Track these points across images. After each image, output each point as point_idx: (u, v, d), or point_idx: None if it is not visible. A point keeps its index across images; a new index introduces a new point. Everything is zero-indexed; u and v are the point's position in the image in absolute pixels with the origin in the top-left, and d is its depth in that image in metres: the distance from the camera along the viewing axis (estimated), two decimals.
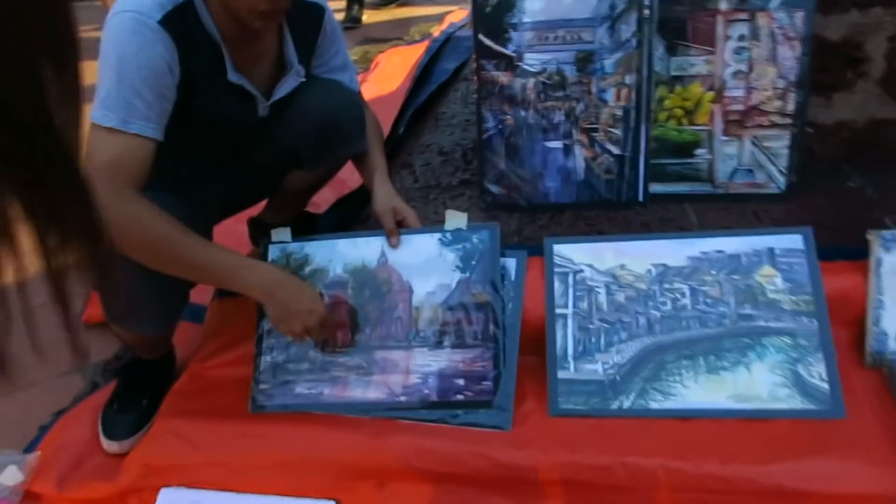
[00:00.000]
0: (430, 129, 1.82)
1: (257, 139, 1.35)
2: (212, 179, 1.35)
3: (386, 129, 1.82)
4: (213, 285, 1.20)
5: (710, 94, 1.42)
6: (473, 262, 1.29)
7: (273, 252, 1.37)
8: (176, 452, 1.21)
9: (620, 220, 1.42)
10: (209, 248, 1.14)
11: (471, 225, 1.32)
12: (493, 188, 1.50)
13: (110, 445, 1.29)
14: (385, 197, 1.34)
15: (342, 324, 1.29)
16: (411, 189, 1.60)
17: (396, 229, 1.32)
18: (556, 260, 1.31)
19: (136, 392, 1.36)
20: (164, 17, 1.08)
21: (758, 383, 1.16)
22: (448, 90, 2.08)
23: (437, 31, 2.96)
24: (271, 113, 1.30)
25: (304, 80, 1.31)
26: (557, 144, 1.45)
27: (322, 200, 1.75)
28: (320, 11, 1.34)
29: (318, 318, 1.20)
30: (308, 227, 1.51)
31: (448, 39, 2.51)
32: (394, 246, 1.31)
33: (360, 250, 1.33)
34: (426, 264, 1.30)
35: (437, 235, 1.32)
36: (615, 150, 1.44)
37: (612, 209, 1.45)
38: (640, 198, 1.46)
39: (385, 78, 2.71)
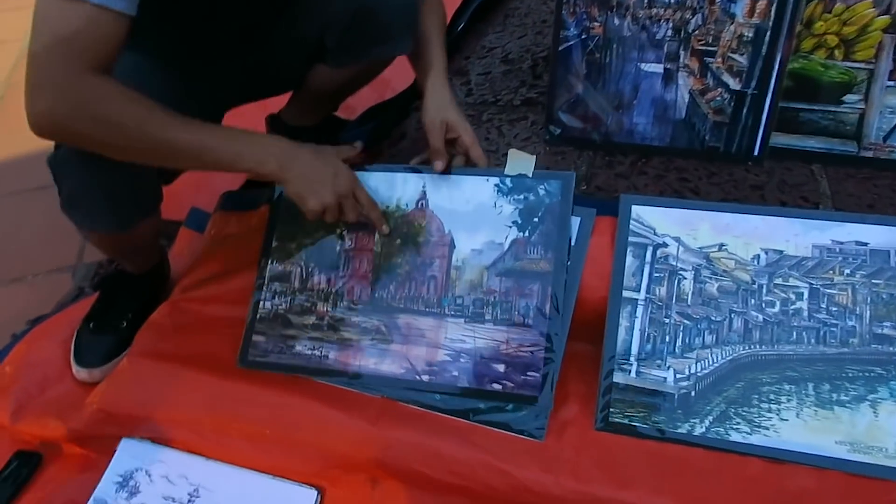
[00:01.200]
0: (496, 27, 1.44)
1: (277, 15, 1.05)
2: (219, 59, 1.07)
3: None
4: (212, 170, 0.93)
5: (884, 20, 1.00)
6: (536, 220, 0.98)
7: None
8: (141, 401, 0.99)
9: (725, 180, 1.07)
10: (200, 126, 0.87)
11: (538, 172, 1.00)
12: (564, 116, 1.15)
13: (79, 372, 1.09)
14: (437, 105, 1.03)
15: (362, 275, 1.02)
16: (462, 104, 1.25)
17: (445, 151, 1.01)
18: (634, 226, 0.98)
19: (115, 311, 1.14)
20: None
21: (885, 431, 0.83)
22: None
23: None
24: None
25: None
26: (656, 68, 1.08)
27: (359, 103, 1.42)
28: None
29: (349, 183, 0.96)
30: (331, 136, 1.22)
31: None
32: (438, 170, 1.01)
33: (395, 187, 1.04)
34: (476, 215, 1.00)
35: (494, 180, 1.01)
36: (734, 83, 1.06)
37: (716, 162, 1.10)
38: (757, 151, 1.09)
39: None
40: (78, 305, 1.20)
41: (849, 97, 1.04)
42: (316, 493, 0.91)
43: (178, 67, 1.00)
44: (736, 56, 1.04)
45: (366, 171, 1.04)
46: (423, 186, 1.03)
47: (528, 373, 0.93)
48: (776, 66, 1.03)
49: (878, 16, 0.99)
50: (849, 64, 1.03)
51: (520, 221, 0.99)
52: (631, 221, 0.98)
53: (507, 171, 1.01)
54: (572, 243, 0.98)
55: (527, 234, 0.98)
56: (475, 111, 1.22)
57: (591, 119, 1.14)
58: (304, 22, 1.07)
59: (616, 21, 1.07)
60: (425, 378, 0.95)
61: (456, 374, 0.95)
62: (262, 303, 1.04)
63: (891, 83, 1.02)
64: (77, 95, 0.79)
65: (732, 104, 1.07)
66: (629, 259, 0.96)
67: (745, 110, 1.07)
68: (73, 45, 0.77)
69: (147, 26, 0.87)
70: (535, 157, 1.01)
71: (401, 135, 1.22)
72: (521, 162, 1.01)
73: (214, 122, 1.07)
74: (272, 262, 1.06)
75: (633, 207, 0.99)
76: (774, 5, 1.00)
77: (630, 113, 1.12)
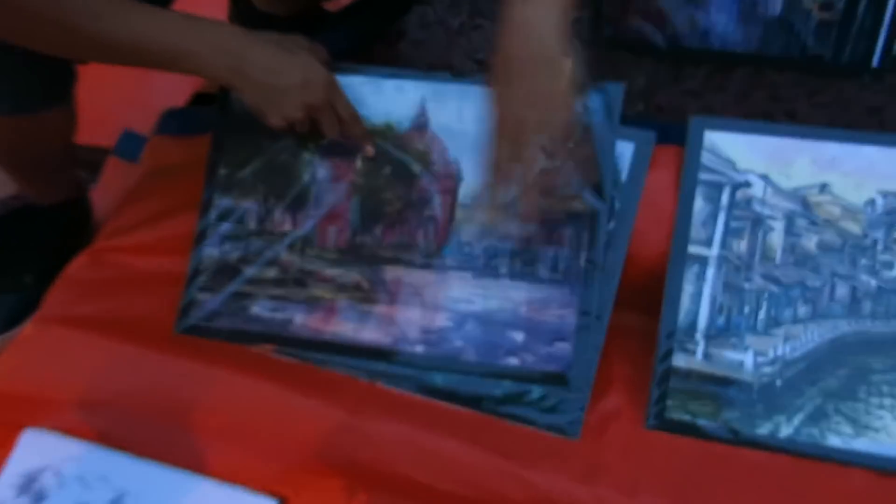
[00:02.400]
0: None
1: None
2: None
3: None
4: (138, 66, 0.84)
5: None
6: (570, 145, 0.83)
7: None
8: (50, 380, 0.86)
9: (832, 99, 0.95)
10: (128, 12, 0.78)
11: None
12: (612, 13, 1.00)
13: None
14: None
15: (339, 214, 0.90)
16: None
17: None
18: (707, 159, 0.85)
19: (17, 261, 1.04)
20: None
21: None
22: None
23: None
24: None
25: None
26: None
27: None
28: None
29: (325, 89, 0.85)
30: (311, 32, 1.08)
31: None
32: None
33: (385, 98, 0.91)
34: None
35: None
36: None
37: (821, 76, 0.96)
38: (876, 62, 0.95)
39: None
40: None
41: None
42: (276, 503, 0.78)
43: None
44: None
45: (347, 74, 0.90)
46: (423, 98, 0.90)
47: (556, 343, 0.81)
48: None
49: None
50: None
51: (549, 146, 0.82)
52: (703, 152, 0.85)
53: None
54: (621, 178, 0.85)
55: (559, 162, 0.81)
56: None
57: (655, 16, 0.99)
58: None
59: None
60: (420, 350, 0.84)
61: (460, 344, 0.83)
62: (206, 250, 0.91)
63: None
64: None
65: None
66: (699, 203, 0.84)
67: (861, 8, 0.92)
68: None
69: None
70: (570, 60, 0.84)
71: (398, 34, 1.08)
72: None
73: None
74: (219, 196, 0.92)
75: (707, 134, 0.85)
76: None
77: (706, 8, 0.97)
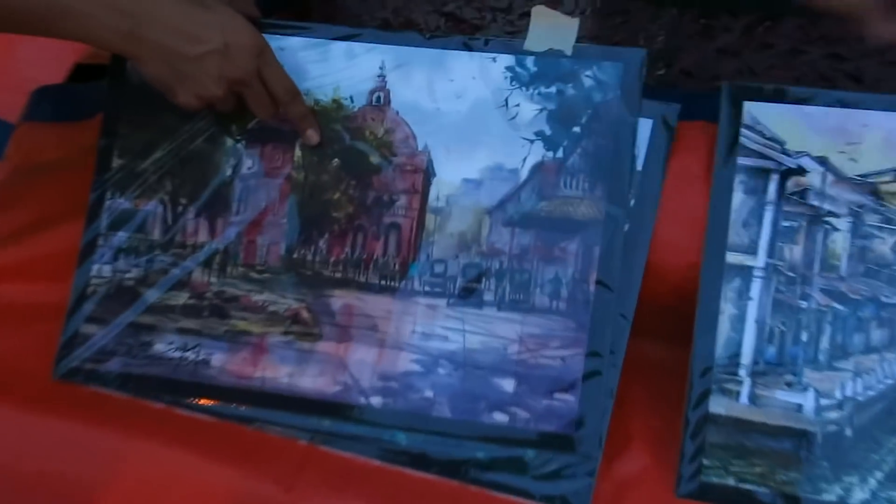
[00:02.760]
0: None
1: None
2: None
3: None
4: (13, 30, 0.74)
5: None
6: (577, 130, 0.72)
7: None
8: None
9: None
10: None
11: (582, 46, 0.74)
12: None
13: None
14: None
15: (271, 220, 0.75)
16: None
17: None
18: (748, 137, 0.71)
19: None
20: None
21: None
22: None
23: None
24: None
25: None
26: None
27: None
28: None
29: (252, 55, 0.73)
30: None
31: None
32: None
33: (333, 66, 0.77)
34: (472, 119, 0.75)
35: (507, 59, 0.76)
36: None
37: None
38: None
39: None
40: None
41: None
42: None
43: None
44: None
45: (282, 35, 0.76)
46: (383, 66, 0.75)
47: (557, 394, 0.68)
48: None
49: None
50: None
51: (549, 132, 0.72)
52: (742, 130, 0.72)
53: (528, 44, 0.74)
54: (638, 167, 0.71)
55: (560, 153, 0.72)
56: None
57: None
58: None
59: None
60: (376, 402, 0.69)
61: (431, 395, 0.69)
62: (95, 267, 0.75)
63: None
64: None
65: None
66: (738, 197, 0.70)
67: None
68: None
69: None
70: (577, 21, 0.74)
71: None
72: (552, 28, 0.74)
73: None
74: (112, 196, 0.76)
75: (747, 105, 0.72)
76: None
77: None
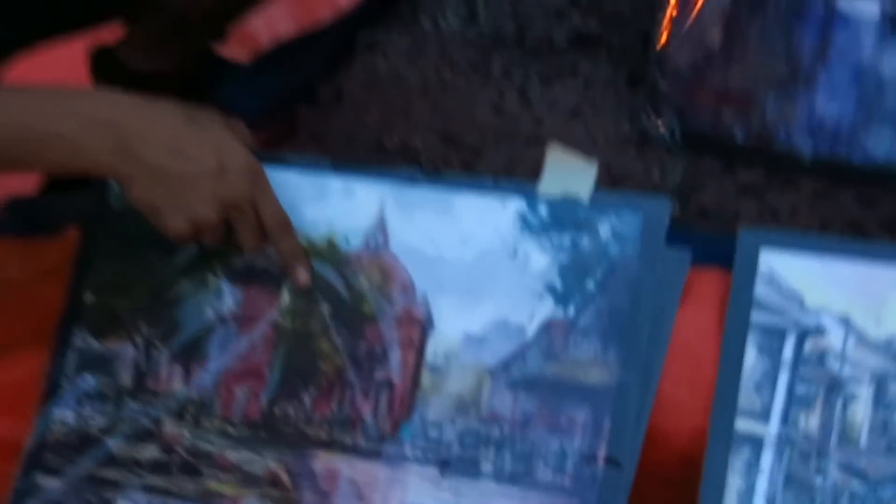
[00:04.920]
0: None
1: None
2: None
3: None
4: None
5: None
6: (592, 285, 0.66)
7: None
8: None
9: None
10: None
11: (600, 194, 0.67)
12: (676, 95, 0.78)
13: None
14: None
15: (251, 369, 0.67)
16: (456, 39, 0.90)
17: None
18: (763, 292, 0.64)
19: None
20: None
21: None
22: None
23: None
24: None
25: None
26: (868, 8, 0.73)
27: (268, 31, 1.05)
28: None
29: (247, 181, 0.68)
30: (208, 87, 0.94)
31: None
32: None
33: (329, 202, 0.72)
34: (478, 268, 0.69)
35: (518, 204, 0.69)
36: None
37: None
38: None
39: None
40: None
41: None
42: None
43: None
44: None
45: (276, 166, 0.69)
46: (382, 205, 0.68)
47: None
48: None
49: None
50: None
51: (560, 287, 0.66)
52: (758, 281, 0.64)
53: (541, 187, 0.67)
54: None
55: (572, 311, 0.64)
56: (479, 53, 0.86)
57: (735, 99, 0.77)
58: None
59: None
60: None
61: None
62: (58, 412, 0.67)
63: None
64: None
65: None
66: (751, 356, 0.64)
67: None
68: None
69: None
70: (595, 164, 0.67)
71: (336, 94, 0.85)
72: (569, 172, 0.68)
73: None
74: (82, 334, 0.69)
75: (764, 254, 0.65)
76: None
77: (811, 93, 0.76)
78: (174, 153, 0.67)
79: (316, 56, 0.95)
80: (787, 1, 0.75)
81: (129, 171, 0.66)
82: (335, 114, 0.85)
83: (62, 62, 0.95)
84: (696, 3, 0.76)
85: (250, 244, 0.67)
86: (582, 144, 0.74)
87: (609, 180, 0.72)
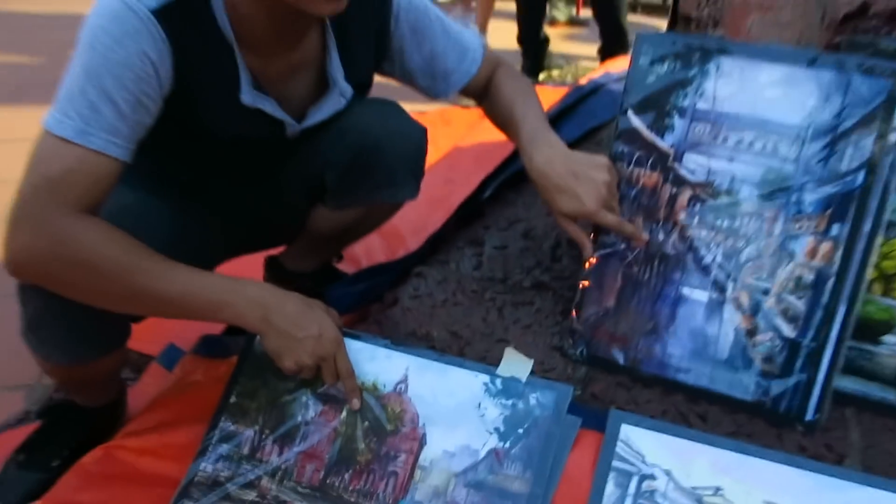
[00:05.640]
0: (526, 198, 1.44)
1: (280, 161, 1.09)
2: (221, 201, 1.09)
3: (472, 187, 1.47)
4: (188, 318, 0.92)
5: None
6: (520, 431, 0.92)
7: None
8: None
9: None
10: (176, 271, 0.86)
11: (532, 378, 0.95)
12: (586, 331, 1.05)
13: None
14: (554, 192, 0.95)
15: (318, 453, 0.95)
16: (467, 277, 1.22)
17: (587, 238, 0.99)
18: (621, 449, 0.90)
19: (52, 447, 1.08)
20: (161, 7, 0.83)
21: None
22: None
23: (585, 78, 2.57)
24: (303, 133, 1.04)
25: (347, 99, 1.04)
26: (700, 295, 0.98)
27: (367, 255, 1.42)
28: (385, 5, 1.02)
29: (333, 345, 0.93)
30: (327, 286, 1.23)
31: (595, 90, 2.11)
32: (586, 256, 1.01)
33: (377, 362, 1.00)
34: (457, 412, 0.95)
35: (484, 378, 0.96)
36: (788, 330, 0.94)
37: (756, 415, 0.96)
38: (810, 415, 0.93)
39: None
40: (17, 431, 1.14)
41: (888, 338, 0.96)
42: None
43: (179, 209, 1.02)
44: (792, 299, 0.94)
45: (350, 338, 0.99)
46: (407, 368, 0.98)
47: None
48: (839, 320, 0.92)
49: None
50: (889, 301, 0.98)
51: (502, 429, 0.92)
52: (618, 443, 0.90)
53: (500, 370, 0.96)
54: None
55: (507, 445, 0.91)
56: (479, 286, 1.18)
57: (618, 340, 1.03)
58: (307, 161, 1.10)
59: (661, 236, 1.00)
60: None
61: None
62: (203, 464, 0.97)
63: None
64: (56, 233, 0.80)
65: (786, 353, 0.94)
66: (609, 488, 0.88)
67: (800, 363, 0.93)
68: (60, 184, 0.81)
69: (148, 166, 0.91)
70: (532, 361, 0.96)
71: (394, 300, 1.17)
72: (516, 364, 0.97)
73: (210, 268, 1.09)
74: (225, 420, 0.99)
75: (623, 426, 0.91)
76: (839, 252, 0.91)
77: (665, 341, 1.00)
78: (294, 324, 0.90)
79: (388, 276, 1.25)
80: (653, 286, 1.00)
81: (267, 331, 0.90)
82: (391, 312, 1.14)
83: (252, 264, 1.32)
84: (604, 281, 1.02)
85: (329, 381, 0.96)
86: (529, 347, 1.04)
87: (541, 371, 1.01)
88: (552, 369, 1.02)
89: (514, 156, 1.72)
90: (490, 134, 2.15)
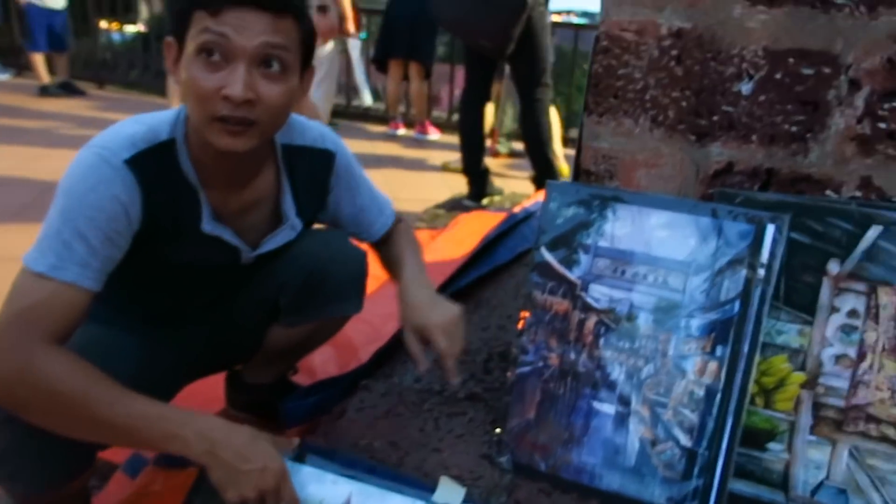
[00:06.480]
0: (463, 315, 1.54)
1: (237, 285, 1.18)
2: (183, 327, 1.16)
3: None
4: (142, 447, 0.96)
5: (799, 376, 1.04)
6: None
7: None
8: None
9: None
10: (134, 402, 0.88)
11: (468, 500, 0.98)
12: (511, 441, 1.11)
13: None
14: (411, 310, 1.13)
15: None
16: (408, 389, 1.29)
17: (422, 353, 1.11)
18: None
19: None
20: (132, 157, 0.93)
21: None
22: (503, 274, 1.81)
23: (518, 207, 2.75)
24: (258, 259, 1.13)
25: (297, 232, 1.15)
26: (608, 408, 1.06)
27: (322, 367, 1.48)
28: (328, 159, 1.16)
29: (275, 479, 0.90)
30: (276, 398, 1.29)
31: (526, 217, 2.28)
32: (420, 371, 1.12)
33: (322, 487, 0.99)
34: None
35: (422, 501, 0.98)
36: (685, 439, 1.02)
37: None
38: None
39: (455, 241, 2.47)
40: None
41: (773, 445, 1.05)
42: None
43: (143, 338, 1.07)
44: (686, 412, 1.03)
45: (299, 463, 1.01)
46: (350, 494, 0.98)
47: None
48: (728, 430, 1.01)
49: (794, 371, 1.05)
50: (772, 413, 1.06)
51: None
52: None
53: (435, 497, 0.99)
54: None
55: None
56: (418, 397, 1.24)
57: (540, 448, 1.09)
58: (263, 285, 1.20)
59: (572, 355, 1.09)
60: None
61: None
62: None
63: (812, 437, 1.05)
64: (25, 361, 0.84)
65: (684, 461, 1.01)
66: None
67: (697, 469, 1.01)
68: (34, 316, 0.86)
69: (114, 298, 0.97)
70: (464, 490, 1.01)
71: (341, 412, 1.22)
72: (450, 491, 1.01)
73: (175, 390, 1.16)
74: None
75: None
76: (724, 370, 1.01)
77: (580, 450, 1.07)
78: (239, 456, 0.88)
79: (338, 389, 1.32)
80: (568, 400, 1.08)
81: (212, 464, 0.89)
82: (338, 423, 1.19)
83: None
84: (525, 395, 1.08)
85: None
86: (461, 456, 1.09)
87: (470, 480, 1.05)
88: (481, 477, 1.06)
89: (455, 275, 1.84)
90: (440, 254, 2.29)
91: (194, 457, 0.90)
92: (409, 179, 4.25)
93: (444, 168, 4.45)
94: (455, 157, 4.02)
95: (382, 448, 1.12)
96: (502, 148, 4.99)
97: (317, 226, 1.24)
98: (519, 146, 4.58)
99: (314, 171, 1.14)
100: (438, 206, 3.53)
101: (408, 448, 1.12)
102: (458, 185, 3.77)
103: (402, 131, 5.69)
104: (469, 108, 3.50)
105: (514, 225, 2.16)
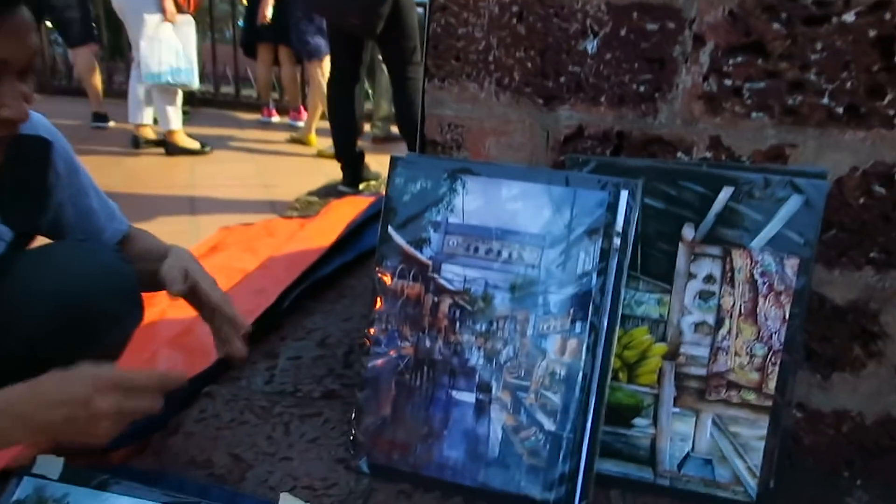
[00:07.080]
0: (325, 305, 1.41)
1: None
2: None
3: (276, 293, 1.42)
4: None
5: (661, 347, 1.00)
6: None
7: (24, 488, 0.85)
8: None
9: None
10: None
11: None
12: (367, 442, 0.99)
13: None
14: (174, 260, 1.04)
15: None
16: (258, 392, 1.14)
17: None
18: None
19: None
20: None
21: None
22: (370, 260, 1.69)
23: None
24: None
25: (7, 244, 0.94)
26: (468, 397, 0.97)
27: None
28: (44, 149, 0.97)
29: (113, 396, 0.78)
30: None
31: None
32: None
33: None
34: None
35: None
36: (548, 423, 0.94)
37: None
38: (577, 502, 0.93)
39: (324, 228, 2.31)
40: None
41: (638, 420, 1.00)
42: None
43: None
44: (549, 394, 0.95)
45: (118, 493, 0.85)
46: None
47: None
48: (592, 409, 0.94)
49: (655, 343, 1.01)
50: (635, 387, 1.02)
51: None
52: None
53: None
54: None
55: None
56: (269, 402, 1.10)
57: (398, 448, 0.98)
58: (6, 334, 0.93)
59: (427, 343, 0.99)
60: None
61: None
62: None
63: (676, 409, 1.01)
64: None
65: (548, 446, 0.94)
66: None
67: (562, 454, 0.93)
68: None
69: None
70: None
71: (176, 426, 1.05)
72: None
73: None
74: None
75: None
76: (585, 348, 0.94)
77: (440, 445, 0.97)
78: (63, 408, 0.76)
79: (177, 399, 1.09)
80: (425, 392, 0.98)
81: (49, 433, 0.80)
82: (172, 439, 1.02)
83: None
84: (379, 390, 0.97)
85: (134, 406, 0.81)
86: (314, 463, 0.97)
87: (323, 488, 0.93)
88: (335, 485, 0.94)
89: (318, 263, 1.70)
90: (307, 242, 2.14)
91: (24, 441, 0.80)
92: (282, 167, 4.04)
93: (319, 154, 4.26)
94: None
95: (223, 463, 0.97)
96: (379, 132, 4.85)
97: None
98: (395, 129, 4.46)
99: (25, 164, 0.93)
100: (312, 194, 3.35)
101: (252, 460, 0.98)
102: (335, 171, 3.60)
103: (276, 118, 5.43)
104: (338, 92, 3.33)
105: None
